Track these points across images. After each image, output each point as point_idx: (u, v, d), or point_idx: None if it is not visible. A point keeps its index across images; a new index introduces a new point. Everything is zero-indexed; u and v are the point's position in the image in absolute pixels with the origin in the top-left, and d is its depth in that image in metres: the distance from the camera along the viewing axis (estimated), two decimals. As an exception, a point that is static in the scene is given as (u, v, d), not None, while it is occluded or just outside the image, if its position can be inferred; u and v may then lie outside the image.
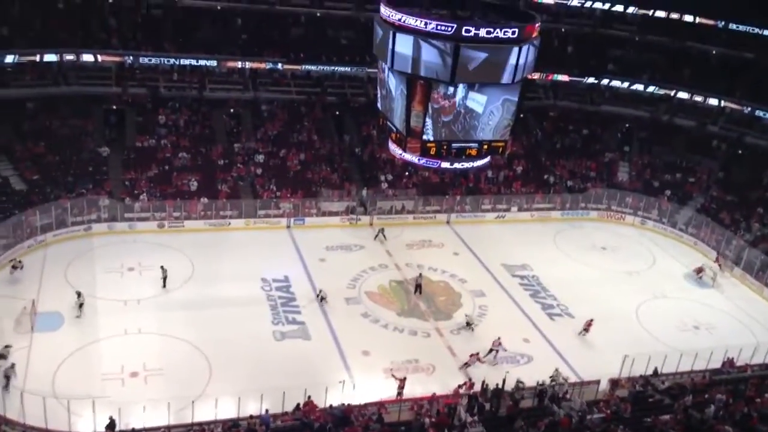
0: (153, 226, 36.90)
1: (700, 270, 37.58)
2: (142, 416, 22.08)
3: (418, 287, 33.25)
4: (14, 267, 30.73)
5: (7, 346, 25.26)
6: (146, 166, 39.69)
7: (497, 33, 20.87)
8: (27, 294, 29.34)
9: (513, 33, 21.03)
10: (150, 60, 43.35)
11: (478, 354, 27.97)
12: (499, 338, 28.75)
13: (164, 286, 31.42)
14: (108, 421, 21.40)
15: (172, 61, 43.74)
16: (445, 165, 24.56)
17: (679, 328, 32.38)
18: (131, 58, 43.01)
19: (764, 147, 45.81)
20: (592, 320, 31.03)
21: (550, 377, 26.23)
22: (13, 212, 33.71)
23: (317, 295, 31.90)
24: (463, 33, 20.62)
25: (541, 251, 39.04)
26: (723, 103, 47.37)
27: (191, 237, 36.71)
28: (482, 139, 23.65)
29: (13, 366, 24.35)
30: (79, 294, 29.13)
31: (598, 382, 26.23)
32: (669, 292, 36.09)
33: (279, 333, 29.45)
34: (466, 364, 27.93)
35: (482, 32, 20.72)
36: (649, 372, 26.49)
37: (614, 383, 26.20)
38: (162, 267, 31.71)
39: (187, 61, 43.99)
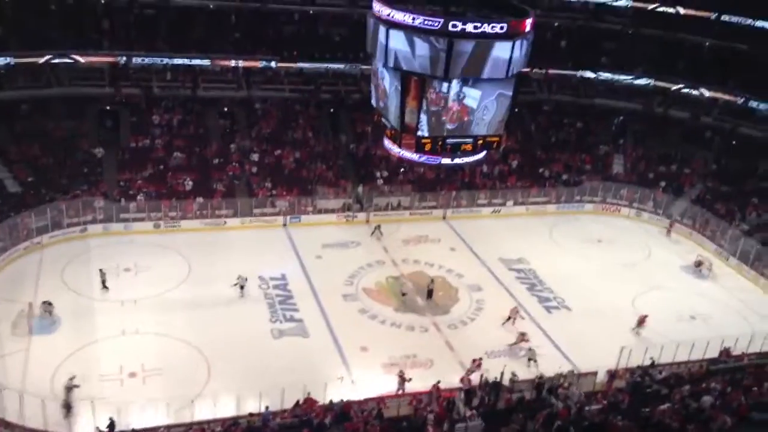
0: (149, 227, 36.87)
1: (699, 263, 37.68)
2: (142, 416, 22.12)
3: (430, 293, 32.78)
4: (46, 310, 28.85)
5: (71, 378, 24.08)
6: (141, 166, 39.65)
7: (485, 28, 20.94)
8: (23, 297, 29.33)
9: (501, 28, 21.12)
10: (143, 60, 43.26)
11: (480, 360, 27.22)
12: (515, 307, 30.26)
13: (104, 287, 30.82)
14: (108, 422, 21.43)
15: (165, 60, 43.65)
16: (446, 161, 24.72)
17: (675, 318, 32.47)
18: (124, 58, 42.90)
19: (758, 137, 45.92)
20: (646, 316, 31.10)
21: (529, 359, 27.62)
22: (9, 215, 33.66)
23: (235, 284, 31.16)
24: (450, 28, 20.76)
25: (538, 245, 39.16)
26: (716, 95, 47.46)
27: (187, 237, 36.69)
28: (477, 134, 23.74)
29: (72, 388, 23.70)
30: (101, 271, 30.62)
31: (595, 373, 26.37)
32: (665, 283, 36.23)
33: (277, 331, 29.50)
34: (470, 371, 26.67)
35: (469, 27, 20.84)
36: (646, 363, 26.62)
37: (612, 374, 26.34)
38: (101, 270, 31.18)
39: (180, 61, 43.89)
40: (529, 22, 22.01)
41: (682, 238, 41.52)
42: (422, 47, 21.35)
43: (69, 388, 23.26)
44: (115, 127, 42.05)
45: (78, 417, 22.44)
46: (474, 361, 27.12)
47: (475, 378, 25.58)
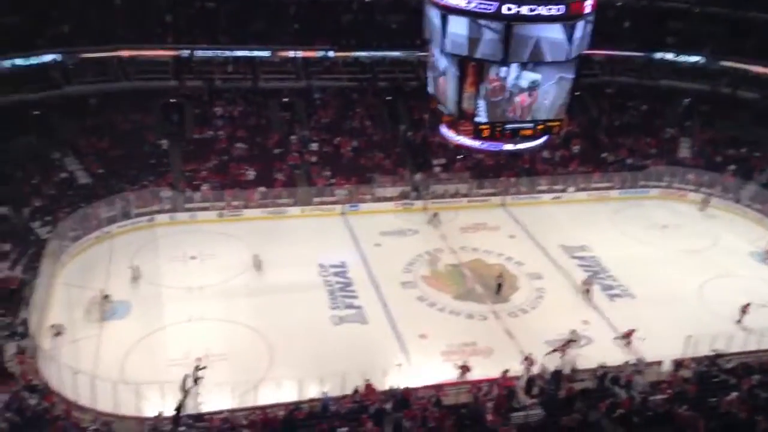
0: (213, 216, 37.77)
1: (772, 251, 36.19)
2: (208, 400, 22.77)
3: (499, 287, 32.05)
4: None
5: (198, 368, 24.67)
6: (205, 157, 40.60)
7: (541, 11, 20.54)
8: (95, 284, 30.49)
9: (558, 10, 20.66)
10: (205, 53, 44.22)
11: (568, 342, 27.28)
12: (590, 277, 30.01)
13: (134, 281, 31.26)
14: (176, 405, 22.15)
15: (226, 53, 44.52)
16: (508, 147, 24.41)
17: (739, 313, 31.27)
18: (187, 51, 43.93)
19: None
20: (749, 304, 30.04)
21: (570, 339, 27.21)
22: (80, 205, 35.04)
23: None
24: (505, 11, 20.41)
25: (600, 232, 38.34)
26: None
27: (250, 225, 37.43)
28: (537, 118, 23.39)
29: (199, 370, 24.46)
30: (135, 270, 31.11)
31: (660, 362, 25.75)
32: (733, 270, 34.92)
33: (337, 317, 29.84)
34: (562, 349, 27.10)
35: (524, 10, 20.45)
36: (713, 352, 25.83)
37: (678, 364, 25.63)
38: (133, 267, 31.67)
39: (241, 53, 44.67)
40: (589, 3, 21.47)
41: (753, 224, 39.94)
42: (478, 31, 21.13)
43: (196, 379, 23.78)
44: (179, 119, 43.17)
45: (147, 401, 23.18)
46: (629, 332, 28.00)
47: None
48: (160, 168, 39.38)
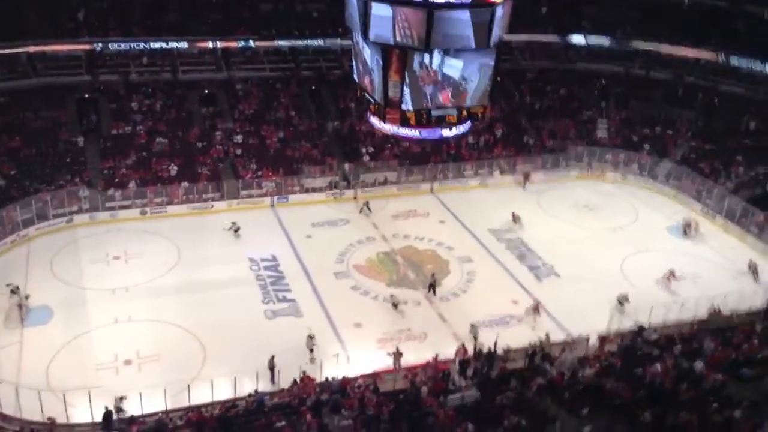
0: (135, 214, 36.67)
1: (687, 225, 37.83)
2: (139, 403, 22.18)
3: (431, 287, 31.50)
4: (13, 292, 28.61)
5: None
6: (124, 153, 39.32)
7: (461, -3, 20.75)
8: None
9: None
10: (119, 46, 42.72)
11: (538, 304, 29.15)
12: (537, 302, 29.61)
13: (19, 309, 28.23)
14: (104, 411, 21.49)
15: (141, 45, 43.11)
16: (446, 133, 24.66)
17: (664, 280, 32.73)
18: (100, 45, 42.35)
19: (740, 94, 46.01)
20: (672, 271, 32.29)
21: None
22: (-7, 209, 33.40)
23: (229, 228, 34.26)
24: (425, -2, 20.50)
25: (526, 213, 39.20)
26: (698, 54, 47.37)
27: (175, 222, 36.55)
28: (461, 105, 23.66)
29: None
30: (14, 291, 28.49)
31: (587, 338, 26.62)
32: (652, 245, 36.48)
33: (270, 312, 29.54)
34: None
35: (444, -3, 20.59)
36: (637, 325, 26.89)
37: (603, 338, 26.58)
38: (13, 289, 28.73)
39: (157, 45, 43.33)
40: (505, -11, 21.84)
41: (668, 199, 41.71)
42: (401, 19, 21.16)
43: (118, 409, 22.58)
44: (95, 115, 41.56)
45: (74, 408, 22.38)
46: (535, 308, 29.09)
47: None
48: (76, 166, 37.91)
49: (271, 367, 24.46)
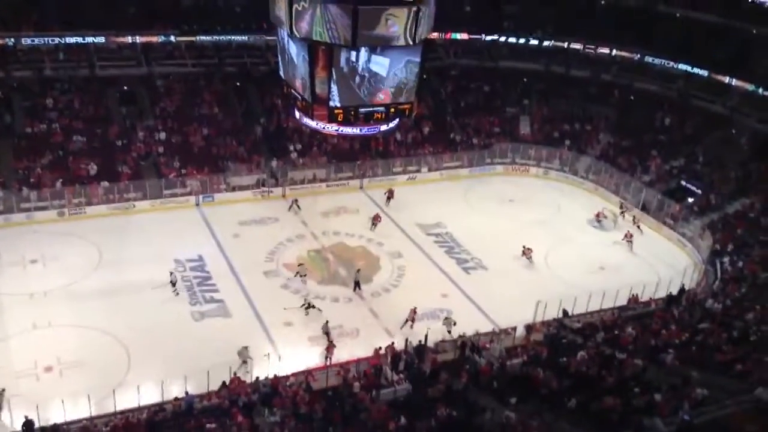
0: (53, 215, 35.26)
1: (598, 215, 39.31)
2: (62, 410, 21.37)
3: (357, 284, 31.33)
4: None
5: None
6: (39, 152, 37.68)
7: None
8: None
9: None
10: (33, 41, 40.93)
11: (415, 309, 28.42)
12: (414, 308, 28.70)
13: None
14: (24, 420, 20.57)
15: (56, 40, 41.42)
16: (378, 129, 24.71)
17: (586, 270, 33.85)
18: (12, 39, 40.43)
19: (654, 91, 48.02)
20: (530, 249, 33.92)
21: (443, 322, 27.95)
22: None
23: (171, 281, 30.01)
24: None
25: (453, 208, 39.81)
26: (614, 52, 49.18)
27: (95, 223, 35.33)
28: (388, 101, 23.77)
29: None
30: None
31: (514, 328, 27.26)
32: (574, 237, 37.67)
33: (198, 313, 28.96)
34: (409, 321, 28.23)
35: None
36: (560, 315, 27.71)
37: (529, 328, 27.26)
38: None
39: (73, 39, 41.73)
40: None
41: (588, 193, 43.12)
42: (327, 15, 21.10)
43: None
44: (8, 113, 39.65)
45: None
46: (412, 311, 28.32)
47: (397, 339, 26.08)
48: (-12, 166, 36.16)
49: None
